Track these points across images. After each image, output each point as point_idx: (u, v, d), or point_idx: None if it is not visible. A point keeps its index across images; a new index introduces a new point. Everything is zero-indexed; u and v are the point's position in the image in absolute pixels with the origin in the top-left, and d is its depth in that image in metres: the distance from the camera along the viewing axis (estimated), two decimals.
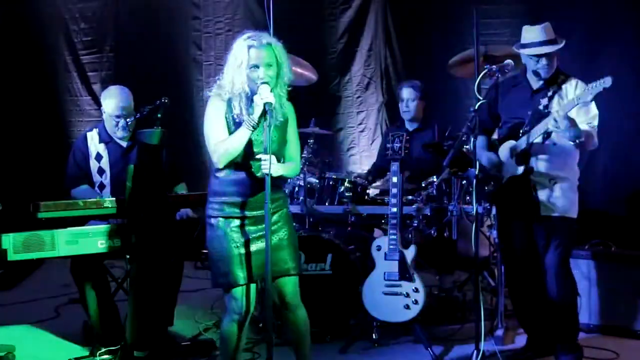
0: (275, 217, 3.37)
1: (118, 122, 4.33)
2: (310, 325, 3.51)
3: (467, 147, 4.07)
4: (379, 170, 5.41)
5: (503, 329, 4.38)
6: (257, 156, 3.28)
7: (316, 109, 5.96)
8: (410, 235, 4.73)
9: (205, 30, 7.25)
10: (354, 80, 6.97)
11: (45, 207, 3.70)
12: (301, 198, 4.83)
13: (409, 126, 5.42)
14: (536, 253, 3.95)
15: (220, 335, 3.45)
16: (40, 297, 5.60)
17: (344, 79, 6.98)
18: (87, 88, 7.54)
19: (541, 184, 3.85)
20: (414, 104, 5.36)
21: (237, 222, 3.34)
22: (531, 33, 3.86)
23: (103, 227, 3.85)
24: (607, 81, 3.45)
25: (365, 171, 5.68)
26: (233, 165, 3.31)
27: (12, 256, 3.61)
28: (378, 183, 5.29)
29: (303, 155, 4.69)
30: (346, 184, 4.93)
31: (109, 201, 3.87)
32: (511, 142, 3.92)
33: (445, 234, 4.78)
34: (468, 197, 4.70)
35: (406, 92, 5.38)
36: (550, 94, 3.82)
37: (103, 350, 4.08)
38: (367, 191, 5.08)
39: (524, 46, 3.88)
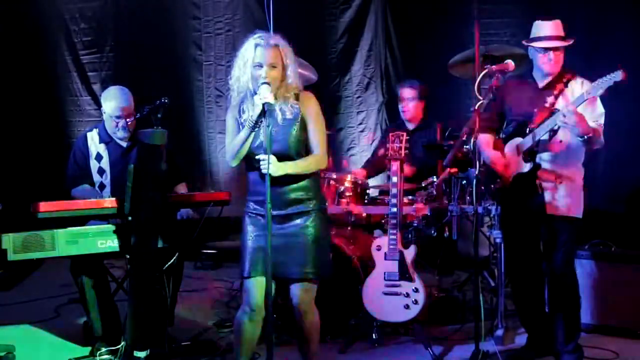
0: (299, 219, 3.40)
1: (118, 123, 4.33)
2: None
3: (467, 147, 4.07)
4: (370, 164, 5.44)
5: (503, 329, 4.38)
6: (257, 156, 3.29)
7: None
8: (410, 235, 4.73)
9: (205, 30, 7.25)
10: (354, 80, 6.97)
11: (45, 207, 3.70)
12: None
13: (409, 126, 5.42)
14: (539, 252, 3.95)
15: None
16: (40, 297, 5.60)
17: (344, 79, 6.98)
18: (87, 88, 7.53)
19: (547, 181, 3.85)
20: (413, 103, 5.36)
21: (259, 218, 3.41)
22: (542, 27, 3.88)
23: (103, 227, 3.85)
24: (617, 75, 3.46)
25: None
26: (252, 165, 3.37)
27: (12, 256, 3.61)
28: (372, 182, 5.30)
29: None
30: (346, 184, 4.92)
31: (109, 201, 3.87)
32: (517, 140, 3.91)
33: (445, 234, 4.78)
34: (468, 197, 4.69)
35: (406, 92, 5.39)
36: (556, 92, 3.83)
37: (103, 350, 4.08)
38: (367, 191, 5.09)
39: (533, 40, 3.88)
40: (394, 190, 4.32)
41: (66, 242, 3.74)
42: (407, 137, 4.34)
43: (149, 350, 3.86)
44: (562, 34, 3.87)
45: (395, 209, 4.30)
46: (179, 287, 4.46)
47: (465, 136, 3.87)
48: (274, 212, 3.28)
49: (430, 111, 5.47)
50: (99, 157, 4.38)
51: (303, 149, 3.41)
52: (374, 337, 4.40)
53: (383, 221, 4.81)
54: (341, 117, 7.00)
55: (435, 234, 4.76)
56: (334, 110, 6.90)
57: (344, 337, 4.40)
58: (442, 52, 5.65)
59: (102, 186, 4.36)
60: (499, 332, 4.36)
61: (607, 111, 3.86)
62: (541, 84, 3.93)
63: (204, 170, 7.26)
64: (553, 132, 3.77)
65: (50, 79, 7.63)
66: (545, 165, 3.85)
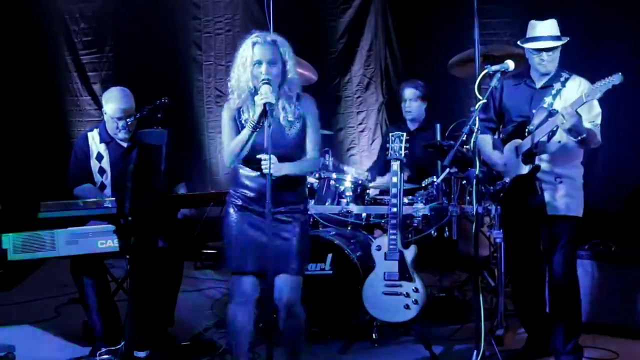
0: (286, 217, 3.41)
1: (119, 124, 4.33)
2: (311, 325, 3.51)
3: (467, 147, 4.07)
4: (377, 169, 5.43)
5: (503, 329, 4.38)
6: (257, 156, 3.29)
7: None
8: (410, 235, 4.73)
9: (205, 30, 7.25)
10: (354, 80, 6.97)
11: (45, 207, 3.70)
12: None
13: (411, 126, 5.42)
14: (540, 252, 3.95)
15: None
16: (40, 297, 5.60)
17: (344, 79, 6.98)
18: (87, 88, 7.53)
19: (547, 182, 3.85)
20: (415, 103, 5.36)
21: (248, 213, 3.41)
22: (536, 28, 3.88)
23: (103, 227, 3.85)
24: (616, 78, 3.46)
25: (365, 171, 5.67)
26: (250, 162, 3.36)
27: (12, 256, 3.61)
28: (377, 182, 5.30)
29: None
30: (346, 184, 4.92)
31: (109, 201, 3.88)
32: (517, 142, 3.91)
33: (445, 234, 4.78)
34: (468, 197, 4.69)
35: (408, 92, 5.38)
36: (554, 92, 3.83)
37: (103, 350, 4.08)
38: (367, 191, 5.08)
39: (528, 40, 3.89)
40: (394, 190, 4.32)
41: (66, 242, 3.74)
42: (408, 137, 4.34)
43: (149, 350, 3.86)
44: (556, 33, 3.86)
45: (395, 209, 4.30)
46: (179, 287, 4.46)
47: (465, 136, 3.87)
48: (263, 209, 3.27)
49: (431, 111, 5.47)
50: (99, 157, 4.38)
51: (300, 151, 3.44)
52: (374, 337, 4.41)
53: (383, 221, 4.81)
54: (341, 117, 7.00)
55: (435, 234, 4.76)
56: (334, 110, 6.91)
57: (344, 337, 4.40)
58: (442, 52, 5.64)
59: (102, 186, 4.36)
60: (499, 332, 4.36)
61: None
62: (538, 84, 3.93)
63: (204, 170, 7.26)
64: (552, 133, 3.78)
65: (51, 79, 7.63)
66: (544, 165, 3.85)
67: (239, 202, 3.44)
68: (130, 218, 3.81)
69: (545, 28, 3.86)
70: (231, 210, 3.46)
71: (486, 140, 4.05)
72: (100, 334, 4.15)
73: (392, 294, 4.28)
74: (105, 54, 7.47)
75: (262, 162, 3.22)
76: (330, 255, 4.49)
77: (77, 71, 7.55)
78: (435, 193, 4.80)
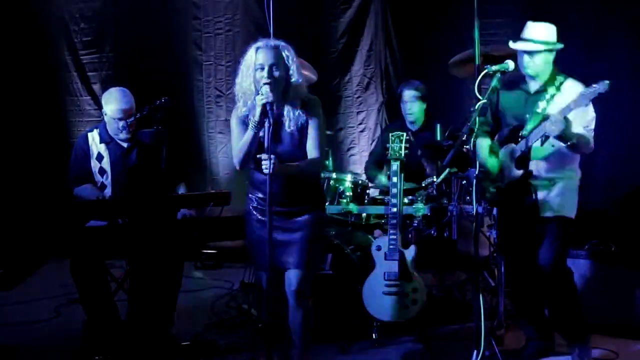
0: (300, 217, 3.47)
1: (119, 125, 4.32)
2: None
3: (467, 146, 4.07)
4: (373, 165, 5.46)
5: (503, 329, 4.38)
6: (257, 156, 3.30)
7: None
8: (410, 235, 4.73)
9: (205, 30, 7.24)
10: (354, 80, 6.97)
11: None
12: None
13: (411, 127, 5.41)
14: (533, 254, 3.95)
15: None
16: (40, 297, 5.60)
17: (344, 79, 6.98)
18: (87, 88, 7.53)
19: (541, 187, 3.85)
20: (415, 105, 5.35)
21: (261, 214, 3.46)
22: (527, 29, 3.90)
23: (103, 227, 3.84)
24: (602, 86, 3.44)
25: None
26: (256, 162, 3.38)
27: None
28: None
29: None
30: (346, 184, 4.92)
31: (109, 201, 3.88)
32: (511, 146, 3.92)
33: (445, 234, 4.78)
34: (468, 197, 4.69)
35: (407, 94, 5.37)
36: (548, 97, 3.82)
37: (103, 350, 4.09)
38: (367, 191, 5.09)
39: (517, 40, 3.89)
40: (394, 190, 4.32)
41: None
42: (408, 138, 4.35)
43: (148, 351, 3.86)
44: (544, 37, 3.84)
45: (395, 209, 4.30)
46: (179, 287, 4.46)
47: (465, 136, 3.87)
48: (279, 209, 3.37)
49: (431, 111, 5.46)
50: (99, 157, 4.38)
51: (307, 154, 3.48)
52: (374, 337, 4.41)
53: (383, 221, 4.81)
54: (341, 117, 6.99)
55: (435, 234, 4.76)
56: (334, 110, 6.90)
57: (344, 337, 4.40)
58: (442, 52, 5.64)
59: (102, 186, 4.36)
60: (499, 332, 4.36)
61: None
62: (532, 88, 3.93)
63: (204, 170, 7.26)
64: (545, 138, 3.76)
65: (51, 79, 7.63)
66: (539, 170, 3.85)
67: (254, 204, 3.52)
68: (129, 218, 3.81)
69: (535, 30, 3.86)
70: (249, 212, 3.56)
71: (482, 146, 4.04)
72: (100, 334, 4.14)
73: (392, 293, 4.28)
74: (105, 54, 7.47)
75: (263, 162, 3.23)
76: (330, 255, 4.49)
77: (77, 71, 7.54)
78: (435, 193, 4.81)
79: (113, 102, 4.33)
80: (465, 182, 4.69)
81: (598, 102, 3.71)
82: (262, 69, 3.31)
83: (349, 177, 4.94)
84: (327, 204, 4.79)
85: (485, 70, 3.89)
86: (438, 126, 5.06)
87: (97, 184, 4.36)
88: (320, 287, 4.43)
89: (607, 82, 3.44)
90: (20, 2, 7.48)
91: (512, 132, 3.94)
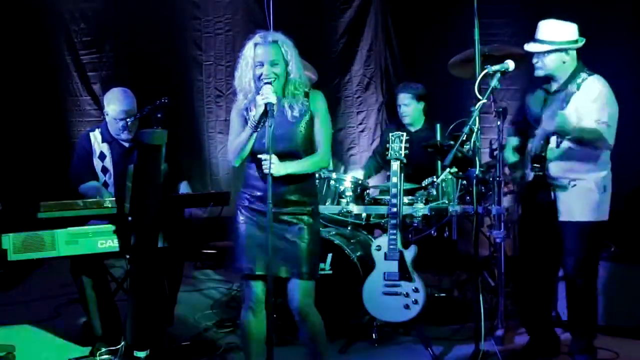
0: (291, 218, 3.38)
1: (120, 125, 4.32)
2: None
3: (468, 147, 4.07)
4: (372, 164, 5.46)
5: (503, 329, 4.38)
6: (258, 156, 3.29)
7: None
8: (410, 235, 4.73)
9: (205, 30, 7.24)
10: (354, 80, 6.97)
11: (45, 207, 3.70)
12: None
13: (411, 127, 5.42)
14: (551, 256, 3.95)
15: None
16: (40, 297, 5.60)
17: (344, 79, 6.98)
18: (87, 88, 7.52)
19: (559, 187, 3.83)
20: (409, 108, 5.36)
21: (255, 214, 3.39)
22: (537, 29, 3.87)
23: (103, 227, 3.85)
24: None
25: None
26: (255, 161, 3.35)
27: (12, 256, 3.61)
28: (372, 182, 5.31)
29: None
30: (346, 184, 4.93)
31: (109, 201, 3.88)
32: (529, 146, 3.90)
33: (445, 234, 4.78)
34: (468, 197, 4.69)
35: (401, 97, 5.40)
36: (564, 95, 3.69)
37: (103, 350, 4.09)
38: (367, 191, 5.09)
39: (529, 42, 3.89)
40: (394, 190, 4.32)
41: (66, 242, 3.74)
42: (408, 138, 4.35)
43: (149, 350, 3.86)
44: (550, 37, 3.81)
45: (395, 209, 4.30)
46: (179, 287, 4.46)
47: (465, 136, 3.86)
48: (274, 209, 3.25)
49: (430, 111, 5.47)
50: (102, 156, 4.39)
51: (310, 147, 3.41)
52: (374, 337, 4.41)
53: (383, 221, 4.81)
54: (341, 117, 6.99)
55: (435, 234, 4.76)
56: (334, 111, 6.90)
57: (344, 337, 4.40)
58: (442, 52, 5.64)
59: (105, 185, 4.37)
60: (499, 332, 4.36)
61: None
62: (553, 87, 3.90)
63: (204, 170, 7.26)
64: (559, 138, 3.74)
65: (51, 79, 7.62)
66: (555, 170, 3.83)
67: (245, 203, 3.43)
68: (130, 218, 3.81)
69: (542, 30, 3.85)
70: (238, 212, 3.45)
71: (510, 143, 4.05)
72: (100, 334, 4.15)
73: (392, 294, 4.28)
74: (105, 54, 7.46)
75: (263, 162, 3.23)
76: (330, 255, 4.49)
77: (77, 71, 7.54)
78: (435, 193, 4.81)
79: (115, 103, 4.33)
80: (465, 182, 4.69)
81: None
82: (262, 65, 3.30)
83: (349, 177, 4.94)
84: (327, 204, 4.83)
85: (485, 70, 3.89)
86: (438, 126, 5.06)
87: (100, 182, 4.36)
88: (320, 287, 4.42)
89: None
90: (20, 2, 7.47)
91: (532, 133, 3.91)
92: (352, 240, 4.70)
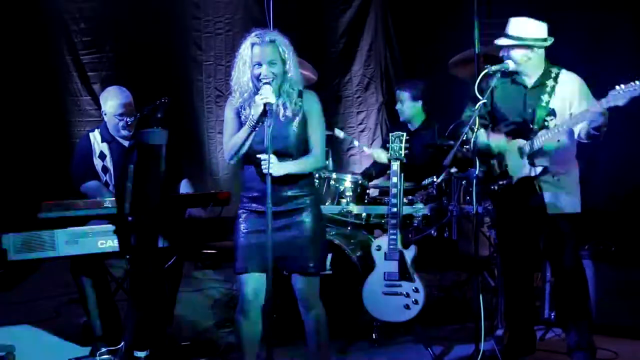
0: (294, 215, 3.39)
1: (121, 121, 4.33)
2: None
3: (467, 147, 4.07)
4: (377, 168, 5.45)
5: (503, 329, 4.38)
6: (257, 156, 3.29)
7: None
8: (410, 235, 4.73)
9: (205, 30, 7.24)
10: (354, 80, 6.97)
11: (45, 207, 3.70)
12: None
13: (410, 126, 5.42)
14: (538, 253, 3.95)
15: None
16: (40, 297, 5.60)
17: (344, 79, 6.99)
18: (87, 88, 7.53)
19: (546, 182, 3.84)
20: (406, 106, 5.36)
21: (254, 214, 3.39)
22: (507, 24, 3.91)
23: (103, 227, 3.85)
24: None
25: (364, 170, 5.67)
26: (252, 161, 3.35)
27: (12, 256, 3.61)
28: (377, 182, 5.30)
29: None
30: (346, 184, 4.93)
31: (109, 201, 3.88)
32: (520, 142, 3.88)
33: (445, 234, 4.78)
34: (468, 197, 4.69)
35: (398, 95, 5.40)
36: (548, 89, 3.80)
37: (103, 350, 4.09)
38: (367, 191, 5.09)
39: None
40: (394, 190, 4.32)
41: (66, 242, 3.74)
42: (407, 138, 4.35)
43: (149, 350, 3.86)
44: (518, 33, 3.84)
45: (395, 209, 4.30)
46: (179, 287, 4.46)
47: (465, 136, 3.86)
48: (275, 208, 3.26)
49: (431, 111, 5.47)
50: (102, 156, 4.39)
51: (303, 147, 3.41)
52: (374, 337, 4.41)
53: (383, 221, 4.81)
54: (341, 117, 6.99)
55: (435, 234, 4.76)
56: (334, 110, 6.90)
57: (344, 337, 4.40)
58: (442, 52, 5.64)
59: (106, 184, 4.37)
60: (499, 332, 4.36)
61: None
62: (529, 82, 3.91)
63: (204, 170, 7.26)
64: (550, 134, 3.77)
65: (51, 79, 7.63)
66: (544, 164, 3.84)
67: (244, 205, 3.44)
68: (130, 218, 3.81)
69: (511, 26, 3.89)
70: (239, 212, 3.47)
71: (482, 133, 4.03)
72: (100, 334, 4.15)
73: (392, 294, 4.28)
74: (105, 54, 7.47)
75: (262, 162, 3.23)
76: (330, 255, 4.49)
77: (77, 71, 7.54)
78: (435, 193, 4.81)
79: (113, 98, 4.34)
80: (465, 182, 4.69)
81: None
82: (260, 65, 3.30)
83: (349, 177, 4.94)
84: (327, 204, 4.83)
85: (485, 70, 3.89)
86: (436, 127, 5.06)
87: (102, 182, 4.37)
88: (321, 287, 4.42)
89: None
90: (20, 2, 7.47)
91: (517, 129, 3.90)
92: (352, 240, 4.70)
